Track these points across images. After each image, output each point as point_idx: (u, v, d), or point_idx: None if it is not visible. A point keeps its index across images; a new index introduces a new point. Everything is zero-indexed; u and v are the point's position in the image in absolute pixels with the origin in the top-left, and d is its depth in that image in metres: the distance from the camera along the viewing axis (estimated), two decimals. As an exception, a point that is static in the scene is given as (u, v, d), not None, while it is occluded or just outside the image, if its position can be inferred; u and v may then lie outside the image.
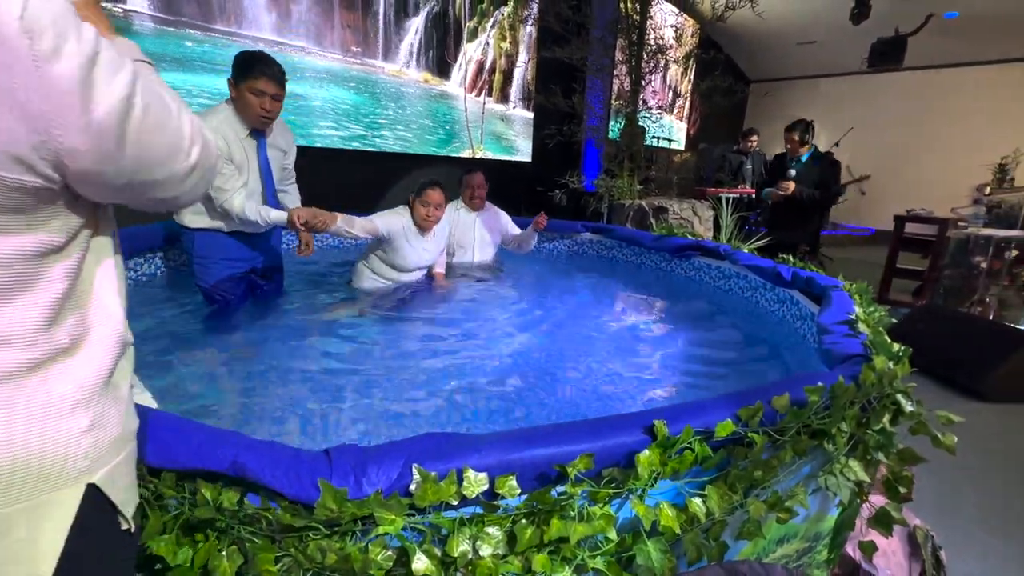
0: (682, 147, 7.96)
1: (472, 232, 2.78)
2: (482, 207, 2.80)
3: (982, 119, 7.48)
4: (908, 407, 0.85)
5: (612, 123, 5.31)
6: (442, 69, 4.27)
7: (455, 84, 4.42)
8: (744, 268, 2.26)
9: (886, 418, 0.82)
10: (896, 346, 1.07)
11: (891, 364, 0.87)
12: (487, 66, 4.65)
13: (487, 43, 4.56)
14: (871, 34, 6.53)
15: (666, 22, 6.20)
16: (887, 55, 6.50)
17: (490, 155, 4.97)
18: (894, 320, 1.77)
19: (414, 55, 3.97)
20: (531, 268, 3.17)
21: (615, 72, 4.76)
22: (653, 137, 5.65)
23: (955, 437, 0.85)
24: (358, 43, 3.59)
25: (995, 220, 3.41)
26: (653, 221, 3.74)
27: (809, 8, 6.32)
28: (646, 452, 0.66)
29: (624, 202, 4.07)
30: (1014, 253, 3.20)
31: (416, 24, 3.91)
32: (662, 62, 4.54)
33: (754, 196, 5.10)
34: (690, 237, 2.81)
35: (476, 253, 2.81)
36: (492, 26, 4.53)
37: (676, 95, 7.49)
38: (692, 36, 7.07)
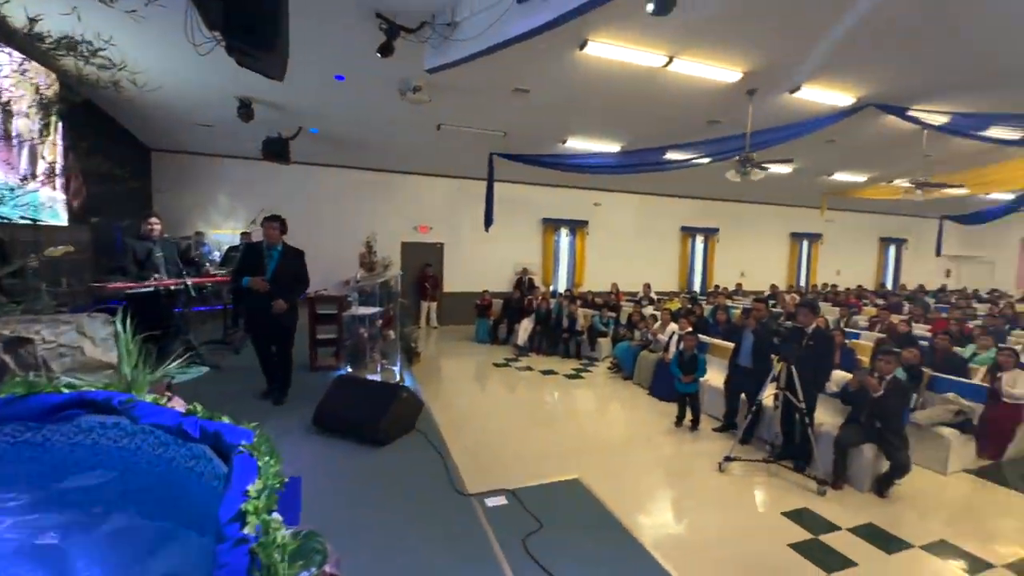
0: (64, 223, 6.20)
1: None
2: None
3: (350, 205, 10.27)
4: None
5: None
6: None
7: None
8: (147, 425, 1.93)
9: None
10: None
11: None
12: None
13: None
14: (262, 131, 7.50)
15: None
16: (276, 151, 7.68)
17: None
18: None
19: None
20: None
21: None
22: (2, 219, 4.07)
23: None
24: None
25: (365, 300, 4.73)
26: (9, 359, 2.62)
27: (201, 95, 6.47)
28: None
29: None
30: (380, 322, 4.55)
31: None
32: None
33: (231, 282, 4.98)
34: (66, 391, 2.14)
35: None
36: None
37: (35, 158, 5.70)
38: (49, 88, 5.59)
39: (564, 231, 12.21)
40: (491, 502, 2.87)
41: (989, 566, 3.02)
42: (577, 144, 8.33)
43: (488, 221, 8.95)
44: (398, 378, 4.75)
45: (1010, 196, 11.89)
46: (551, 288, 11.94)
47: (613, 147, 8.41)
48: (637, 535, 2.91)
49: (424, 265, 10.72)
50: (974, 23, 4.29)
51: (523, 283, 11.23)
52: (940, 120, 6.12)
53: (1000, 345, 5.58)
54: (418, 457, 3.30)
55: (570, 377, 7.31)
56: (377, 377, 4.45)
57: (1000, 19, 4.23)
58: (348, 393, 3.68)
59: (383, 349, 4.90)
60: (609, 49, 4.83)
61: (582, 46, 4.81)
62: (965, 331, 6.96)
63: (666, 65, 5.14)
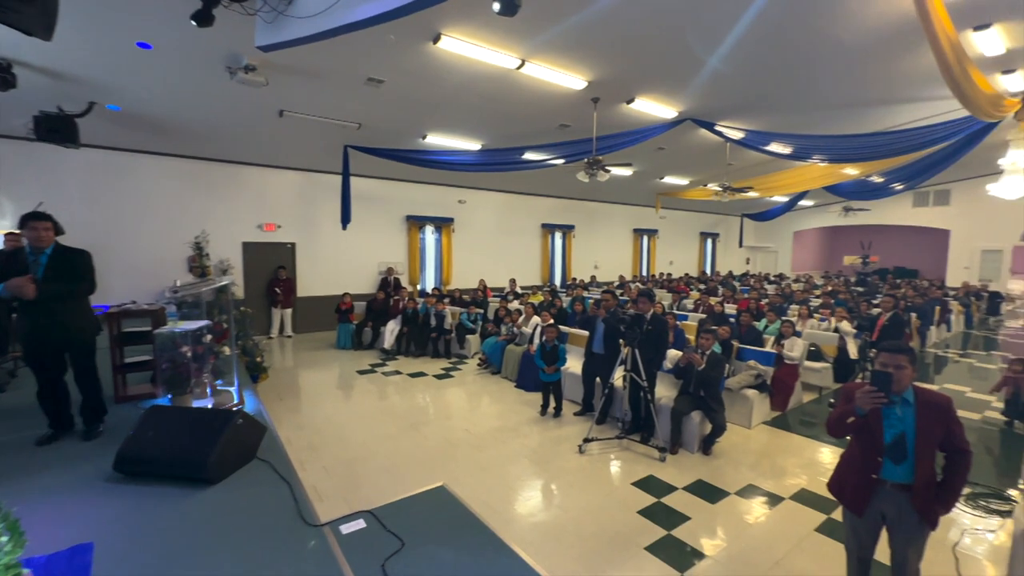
0: None
1: None
2: None
3: (173, 201, 8.67)
4: None
5: None
6: None
7: None
8: None
9: None
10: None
11: None
12: None
13: None
14: (35, 103, 5.90)
15: None
16: (57, 131, 6.09)
17: None
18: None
19: None
20: None
21: None
22: None
23: None
24: None
25: (188, 311, 3.99)
26: None
27: (-83, 49, 4.81)
28: None
29: None
30: (208, 337, 3.88)
31: None
32: None
33: None
34: None
35: None
36: None
37: None
38: None
39: (430, 228, 11.99)
40: (347, 528, 2.62)
41: (781, 499, 3.71)
42: (438, 140, 8.20)
43: (345, 218, 8.35)
44: (236, 400, 4.12)
45: (785, 199, 14.98)
46: (419, 287, 11.65)
47: (474, 145, 8.46)
48: (500, 533, 2.93)
49: (277, 268, 9.60)
50: (757, 63, 5.23)
51: (389, 283, 10.75)
52: (738, 135, 7.38)
53: (783, 318, 6.95)
54: (260, 491, 2.87)
55: (440, 377, 7.19)
56: (208, 403, 3.79)
57: (778, 66, 5.22)
58: (164, 426, 3.05)
59: (217, 368, 4.20)
60: (463, 46, 4.79)
61: (436, 39, 4.69)
62: (760, 308, 8.54)
63: (519, 68, 5.29)
